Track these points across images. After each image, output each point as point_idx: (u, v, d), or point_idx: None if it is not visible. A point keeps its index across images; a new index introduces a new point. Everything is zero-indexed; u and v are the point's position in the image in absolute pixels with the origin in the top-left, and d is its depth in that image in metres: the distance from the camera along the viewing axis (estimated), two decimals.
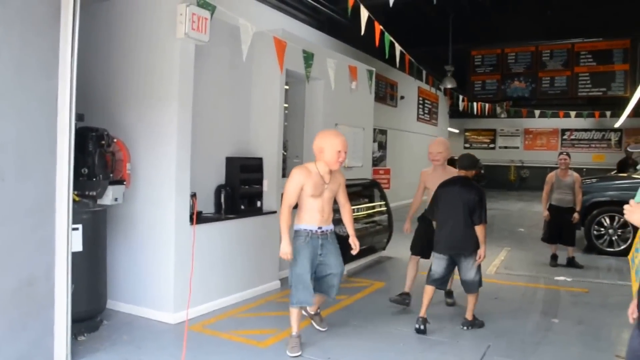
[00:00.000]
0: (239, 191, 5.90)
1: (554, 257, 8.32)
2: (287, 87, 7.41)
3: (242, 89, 6.29)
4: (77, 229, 4.33)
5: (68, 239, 3.84)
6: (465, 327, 5.09)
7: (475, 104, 15.94)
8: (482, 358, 4.42)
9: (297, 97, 7.55)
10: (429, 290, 5.02)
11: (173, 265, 4.94)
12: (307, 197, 4.30)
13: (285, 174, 7.26)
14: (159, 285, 5.03)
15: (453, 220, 4.93)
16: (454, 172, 5.44)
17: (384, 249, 8.62)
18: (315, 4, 9.92)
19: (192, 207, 5.13)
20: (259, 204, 6.19)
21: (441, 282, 5.10)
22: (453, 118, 23.51)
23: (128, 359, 4.14)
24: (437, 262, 5.04)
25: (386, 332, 5.02)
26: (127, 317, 5.09)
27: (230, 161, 6.00)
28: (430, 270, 5.10)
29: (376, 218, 8.66)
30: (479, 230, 4.88)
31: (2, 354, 3.42)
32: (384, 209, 8.79)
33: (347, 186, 7.80)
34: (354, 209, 7.86)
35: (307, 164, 4.39)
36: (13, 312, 3.49)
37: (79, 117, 4.65)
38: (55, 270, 3.76)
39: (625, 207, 2.41)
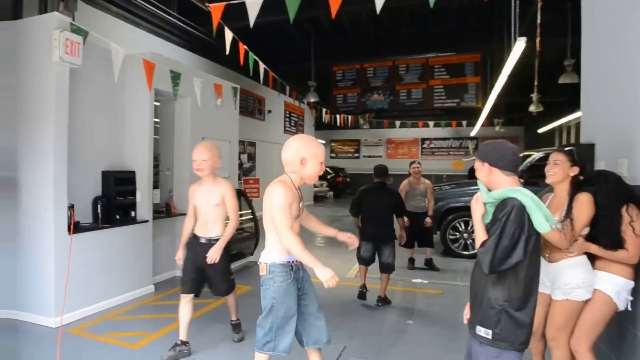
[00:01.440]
0: (114, 202, 6.34)
1: (412, 261, 8.70)
2: (158, 104, 7.93)
3: (116, 107, 6.75)
4: None
5: None
6: (379, 304, 6.45)
7: (338, 116, 17.06)
8: (337, 359, 4.62)
9: (167, 114, 8.09)
10: (362, 268, 6.63)
11: (53, 271, 5.34)
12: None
13: (156, 185, 7.79)
14: (40, 291, 5.40)
15: (378, 218, 6.42)
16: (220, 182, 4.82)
17: (251, 254, 9.24)
18: (186, 27, 10.46)
19: (70, 217, 5.55)
20: (132, 213, 6.65)
21: (367, 262, 6.56)
22: (319, 130, 24.84)
23: None
24: (365, 248, 6.45)
25: (251, 334, 5.12)
26: (9, 322, 5.39)
27: (105, 174, 6.42)
28: (359, 253, 6.50)
29: (244, 225, 9.30)
30: (401, 220, 6.58)
31: None
32: (250, 217, 9.44)
33: None
34: None
35: (283, 178, 3.39)
36: None
37: None
38: None
39: (472, 199, 2.76)
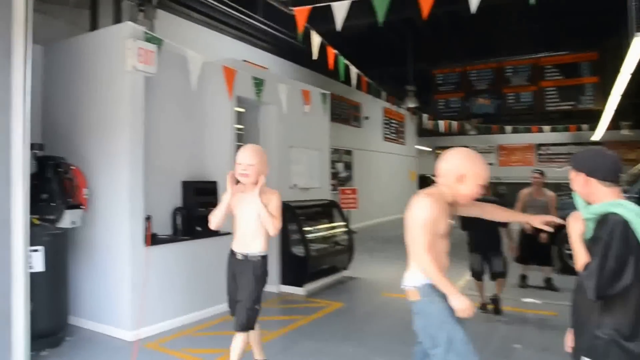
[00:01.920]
0: (195, 213, 6.20)
1: (523, 278, 7.96)
2: (242, 110, 7.81)
3: (196, 115, 6.66)
4: (37, 250, 4.66)
5: (25, 261, 4.15)
6: (490, 304, 6.44)
7: (441, 122, 16.33)
8: None
9: (252, 121, 7.94)
10: (478, 284, 6.54)
11: (129, 284, 5.25)
12: (436, 238, 2.95)
13: None
14: (117, 304, 5.34)
15: (482, 227, 5.82)
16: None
17: (345, 268, 8.76)
18: (273, 31, 10.36)
19: (147, 229, 5.45)
20: None
21: (480, 274, 6.48)
22: (423, 137, 24.05)
23: None
24: (473, 259, 6.49)
25: (337, 353, 5.03)
26: (89, 333, 5.39)
27: (186, 185, 6.32)
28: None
29: (337, 238, 8.89)
30: (504, 230, 6.42)
31: None
32: (344, 229, 9.00)
33: (306, 207, 8.28)
34: (313, 229, 8.25)
35: (433, 191, 3.03)
36: None
37: (39, 147, 5.05)
38: (12, 289, 4.06)
39: (569, 217, 2.47)
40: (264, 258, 4.04)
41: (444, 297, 2.85)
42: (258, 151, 4.10)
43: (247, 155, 3.97)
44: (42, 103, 5.83)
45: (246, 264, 3.97)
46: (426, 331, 2.94)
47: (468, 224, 6.39)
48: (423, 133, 22.56)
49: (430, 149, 28.31)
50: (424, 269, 2.85)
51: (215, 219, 4.01)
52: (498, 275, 6.40)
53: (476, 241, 6.50)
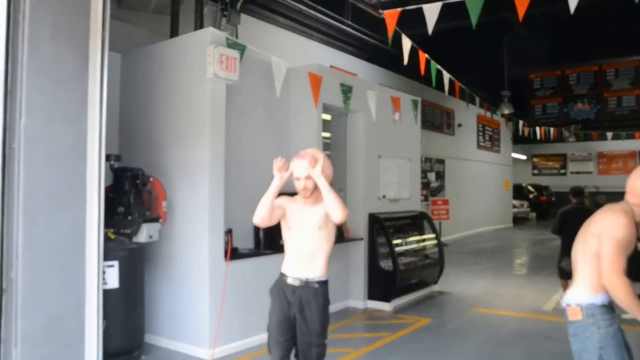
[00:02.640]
0: (278, 227, 5.89)
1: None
2: (329, 118, 7.46)
3: (281, 123, 6.39)
4: (112, 266, 4.50)
5: (98, 277, 3.98)
6: None
7: (537, 128, 15.36)
8: None
9: (339, 129, 7.57)
10: (563, 282, 6.89)
11: (208, 301, 4.99)
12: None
13: None
14: (195, 321, 5.09)
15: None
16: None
17: (435, 282, 8.35)
18: (362, 35, 9.96)
19: (227, 243, 5.19)
20: None
21: (569, 274, 6.02)
22: (518, 144, 22.76)
23: None
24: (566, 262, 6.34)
25: None
26: (166, 352, 5.19)
27: None
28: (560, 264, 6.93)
29: (427, 251, 8.46)
30: None
31: None
32: (434, 241, 8.55)
33: (395, 219, 7.84)
34: (402, 242, 7.80)
35: (627, 208, 2.70)
36: (44, 348, 3.63)
37: (116, 158, 4.90)
38: (86, 306, 3.90)
39: None
40: (326, 284, 3.27)
41: (612, 322, 2.62)
42: (316, 156, 3.28)
43: (304, 167, 3.18)
44: (120, 112, 5.74)
45: (306, 292, 3.17)
46: (581, 356, 2.66)
47: (563, 224, 6.97)
48: (518, 140, 21.33)
49: (526, 157, 26.86)
50: (615, 295, 2.54)
51: (260, 211, 3.18)
52: None
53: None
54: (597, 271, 2.60)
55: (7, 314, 3.47)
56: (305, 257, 3.24)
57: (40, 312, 3.60)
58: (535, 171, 27.92)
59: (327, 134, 7.55)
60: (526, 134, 15.38)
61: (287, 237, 3.36)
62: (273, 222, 3.31)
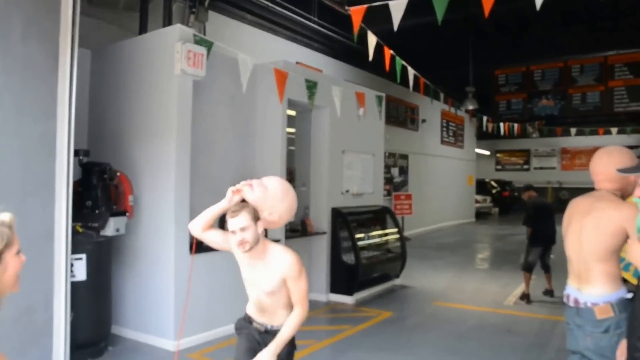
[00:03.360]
0: None
1: None
2: (294, 114, 7.60)
3: (246, 119, 6.50)
4: (80, 259, 4.58)
5: (66, 269, 4.07)
6: (547, 295, 7.52)
7: (502, 124, 15.72)
8: None
9: (303, 125, 7.72)
10: (528, 276, 7.39)
11: (173, 293, 5.11)
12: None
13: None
14: (160, 313, 5.21)
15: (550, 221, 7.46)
16: None
17: (397, 276, 8.54)
18: (328, 32, 10.10)
19: (192, 237, 5.29)
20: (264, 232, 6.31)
21: (532, 268, 7.44)
22: (482, 140, 23.25)
23: None
24: (534, 254, 7.47)
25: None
26: (132, 343, 5.29)
27: None
28: (526, 261, 7.51)
29: (389, 245, 8.67)
30: None
31: None
32: (396, 236, 8.76)
33: (357, 213, 8.04)
34: (365, 236, 8.00)
35: (612, 197, 2.71)
36: (13, 340, 3.71)
37: (85, 153, 4.97)
38: (54, 299, 3.99)
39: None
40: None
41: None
42: (264, 183, 2.92)
43: (238, 220, 2.70)
44: (89, 108, 5.78)
45: (272, 338, 2.82)
46: (612, 350, 2.54)
47: (535, 217, 7.49)
48: (482, 136, 21.76)
49: (489, 153, 27.47)
50: None
51: (197, 222, 2.93)
52: (549, 269, 7.56)
53: (539, 235, 7.49)
54: (617, 266, 2.64)
55: None
56: (265, 310, 2.94)
57: (10, 304, 3.63)
58: (499, 166, 28.52)
59: (291, 130, 7.68)
60: (490, 129, 15.74)
61: (244, 279, 2.99)
62: (207, 243, 3.03)
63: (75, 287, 4.32)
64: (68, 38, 4.05)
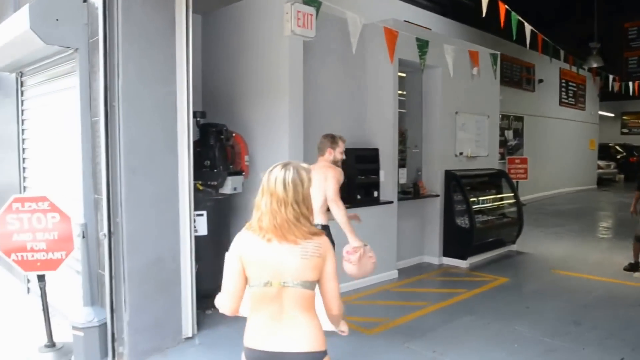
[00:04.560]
0: (355, 181, 6.06)
1: None
2: (404, 75, 7.44)
3: (356, 80, 6.47)
4: (201, 215, 4.84)
5: (190, 224, 4.30)
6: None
7: (631, 83, 14.39)
8: None
9: (414, 86, 7.55)
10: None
11: None
12: None
13: (403, 164, 7.30)
14: None
15: None
16: None
17: (513, 242, 8.25)
18: None
19: None
20: (375, 194, 6.32)
21: None
22: (605, 101, 21.48)
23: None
24: None
25: (500, 330, 4.74)
26: None
27: (346, 152, 6.13)
28: None
29: (504, 210, 8.38)
30: None
31: (141, 319, 3.98)
32: (512, 200, 8.42)
33: (472, 176, 7.79)
34: (479, 200, 7.75)
35: None
36: (147, 285, 4.01)
37: (202, 115, 5.20)
38: (181, 251, 4.24)
39: None
40: None
41: None
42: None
43: None
44: (202, 71, 6.00)
45: None
46: None
47: None
48: (606, 97, 20.09)
49: (614, 115, 25.36)
50: None
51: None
52: None
53: None
54: None
55: (116, 254, 3.87)
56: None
57: (143, 254, 3.97)
58: (625, 130, 26.32)
59: (401, 92, 7.54)
60: (617, 89, 14.48)
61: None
62: None
63: (198, 241, 4.57)
64: (183, 4, 4.19)
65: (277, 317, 2.01)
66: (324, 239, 2.05)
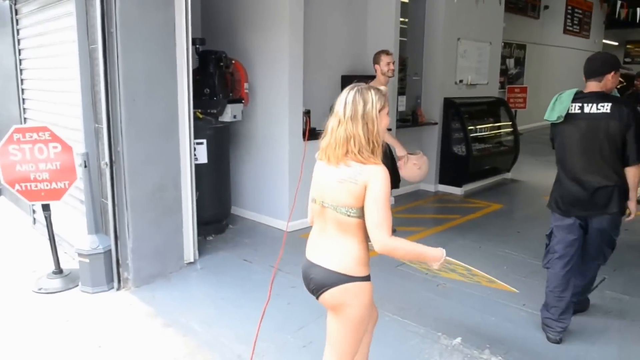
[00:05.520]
0: None
1: None
2: (407, 1, 7.25)
3: (357, 6, 6.30)
4: (201, 143, 4.86)
5: (190, 152, 4.34)
6: None
7: (639, 9, 13.96)
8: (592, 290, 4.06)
9: (417, 12, 7.36)
10: None
11: (287, 178, 5.35)
12: None
13: (402, 91, 7.24)
14: (275, 196, 5.51)
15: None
16: None
17: (508, 170, 8.38)
18: None
19: (306, 123, 5.42)
20: None
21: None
22: (610, 29, 20.97)
23: (245, 258, 4.72)
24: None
25: (491, 253, 4.95)
26: (250, 223, 5.70)
27: (345, 79, 6.12)
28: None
29: (501, 139, 8.41)
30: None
31: (145, 245, 4.09)
32: (510, 129, 8.44)
33: (470, 104, 7.75)
34: (476, 128, 7.76)
35: None
36: (150, 213, 4.09)
37: (201, 42, 5.10)
38: (182, 179, 4.30)
39: None
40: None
41: None
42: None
43: None
44: None
45: None
46: None
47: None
48: (611, 24, 19.58)
49: (618, 44, 24.86)
50: None
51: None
52: None
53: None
54: None
55: (118, 183, 3.93)
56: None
57: (144, 182, 4.02)
58: (628, 59, 25.86)
59: (404, 19, 7.37)
60: (624, 16, 14.08)
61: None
62: None
63: (199, 169, 4.62)
64: None
65: (322, 232, 2.11)
66: (369, 167, 1.95)
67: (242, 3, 5.54)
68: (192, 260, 4.49)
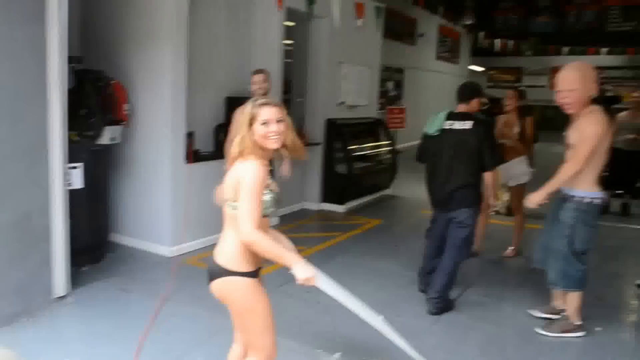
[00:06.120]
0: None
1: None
2: (292, 24, 7.37)
3: (242, 28, 6.28)
4: (76, 167, 4.55)
5: (63, 177, 4.05)
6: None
7: (498, 41, 15.38)
8: (458, 297, 4.50)
9: (301, 36, 7.51)
10: None
11: (170, 201, 5.16)
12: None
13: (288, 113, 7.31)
14: (157, 221, 5.28)
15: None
16: None
17: (387, 187, 8.75)
18: None
19: (189, 145, 5.28)
20: None
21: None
22: (476, 56, 22.82)
23: (123, 288, 4.46)
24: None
25: (371, 267, 5.21)
26: (129, 250, 5.39)
27: (230, 101, 6.05)
28: None
29: (381, 157, 8.77)
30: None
31: (4, 282, 3.70)
32: (388, 148, 8.83)
33: (351, 125, 8.01)
34: (358, 147, 8.02)
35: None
36: (13, 245, 3.73)
37: (78, 60, 4.80)
38: (50, 206, 3.98)
39: None
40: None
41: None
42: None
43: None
44: (81, 14, 5.47)
45: None
46: None
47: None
48: (477, 52, 21.31)
49: (483, 69, 27.07)
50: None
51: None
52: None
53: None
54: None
55: None
56: None
57: (6, 210, 3.68)
58: (491, 84, 28.21)
59: (288, 41, 7.48)
60: (486, 45, 15.42)
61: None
62: None
63: (73, 195, 4.31)
64: None
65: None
66: (244, 164, 2.22)
67: (123, 20, 5.29)
68: (63, 294, 4.13)
